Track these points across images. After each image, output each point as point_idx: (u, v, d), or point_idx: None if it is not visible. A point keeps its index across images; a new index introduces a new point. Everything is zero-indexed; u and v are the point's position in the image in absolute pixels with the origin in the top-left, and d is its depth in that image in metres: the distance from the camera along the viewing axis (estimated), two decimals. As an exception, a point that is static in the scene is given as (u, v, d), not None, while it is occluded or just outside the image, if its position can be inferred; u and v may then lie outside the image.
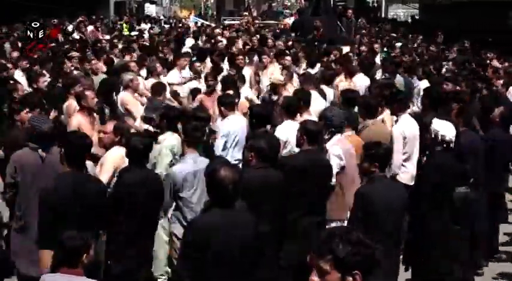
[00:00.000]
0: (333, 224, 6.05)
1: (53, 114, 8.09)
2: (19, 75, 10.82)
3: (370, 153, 5.37)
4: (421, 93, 10.38)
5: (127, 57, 12.99)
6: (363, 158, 5.46)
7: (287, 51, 14.08)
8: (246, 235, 4.27)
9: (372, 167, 5.34)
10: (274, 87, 9.27)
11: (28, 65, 11.48)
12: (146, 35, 20.26)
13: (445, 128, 6.18)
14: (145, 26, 26.09)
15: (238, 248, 4.20)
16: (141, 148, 5.61)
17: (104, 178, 5.99)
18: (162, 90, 8.81)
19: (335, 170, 6.21)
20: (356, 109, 7.69)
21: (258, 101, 9.56)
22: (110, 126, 6.57)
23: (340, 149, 6.34)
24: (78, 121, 7.56)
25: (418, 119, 7.62)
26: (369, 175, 5.40)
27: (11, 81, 9.58)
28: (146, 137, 5.88)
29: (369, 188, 5.35)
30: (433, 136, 6.19)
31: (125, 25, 25.55)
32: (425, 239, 6.11)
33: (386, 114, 7.87)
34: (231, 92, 8.38)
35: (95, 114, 7.88)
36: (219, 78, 9.68)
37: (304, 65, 12.62)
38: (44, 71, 10.86)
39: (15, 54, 12.55)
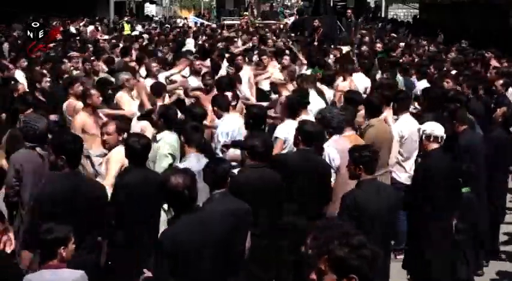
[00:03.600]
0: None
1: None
2: (20, 75, 10.82)
3: (354, 156, 5.28)
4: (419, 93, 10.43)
5: (126, 58, 13.02)
6: (349, 161, 5.38)
7: (286, 51, 14.11)
8: (217, 235, 4.25)
9: (357, 171, 5.27)
10: (275, 87, 9.26)
11: (26, 64, 11.49)
12: (146, 36, 20.23)
13: (432, 125, 6.23)
14: (139, 29, 25.99)
15: (210, 250, 4.17)
16: (139, 148, 5.57)
17: (110, 177, 6.00)
18: (161, 91, 8.75)
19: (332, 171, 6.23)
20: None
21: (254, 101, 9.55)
22: (111, 126, 6.58)
23: (335, 149, 6.34)
24: (82, 120, 7.61)
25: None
26: (358, 179, 5.32)
27: (12, 81, 9.61)
28: (143, 137, 5.82)
29: (355, 193, 5.25)
30: (423, 137, 6.22)
31: (126, 24, 25.51)
32: (425, 240, 6.10)
33: (388, 114, 7.87)
34: (228, 93, 8.29)
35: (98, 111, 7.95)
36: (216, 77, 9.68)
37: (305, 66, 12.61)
38: (45, 71, 10.87)
39: None
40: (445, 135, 6.23)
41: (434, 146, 6.18)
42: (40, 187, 5.16)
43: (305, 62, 12.62)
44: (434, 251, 6.04)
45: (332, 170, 6.26)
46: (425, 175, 6.13)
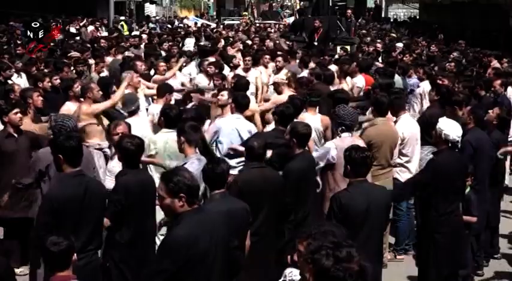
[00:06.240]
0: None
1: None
2: (14, 76, 10.77)
3: (345, 155, 5.26)
4: (423, 93, 10.42)
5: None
6: (344, 160, 5.34)
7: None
8: (217, 235, 4.23)
9: (346, 170, 5.25)
10: (277, 87, 9.26)
11: (21, 66, 11.48)
12: (145, 36, 20.23)
13: (450, 128, 6.07)
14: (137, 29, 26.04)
15: (218, 251, 4.17)
16: (133, 149, 5.53)
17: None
18: (166, 91, 8.73)
19: (319, 165, 6.31)
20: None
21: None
22: (123, 126, 6.61)
23: (335, 147, 6.35)
24: (86, 109, 7.65)
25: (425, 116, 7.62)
26: (349, 179, 5.30)
27: (10, 81, 9.61)
28: (136, 138, 5.77)
29: (342, 194, 5.23)
30: (437, 134, 6.15)
31: (124, 25, 25.50)
32: (430, 238, 6.09)
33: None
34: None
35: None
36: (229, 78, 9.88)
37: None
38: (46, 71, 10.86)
39: None
40: (459, 138, 6.12)
41: (444, 145, 6.15)
42: (53, 189, 5.17)
43: (294, 63, 12.58)
44: (440, 247, 6.02)
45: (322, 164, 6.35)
46: (434, 174, 6.09)
